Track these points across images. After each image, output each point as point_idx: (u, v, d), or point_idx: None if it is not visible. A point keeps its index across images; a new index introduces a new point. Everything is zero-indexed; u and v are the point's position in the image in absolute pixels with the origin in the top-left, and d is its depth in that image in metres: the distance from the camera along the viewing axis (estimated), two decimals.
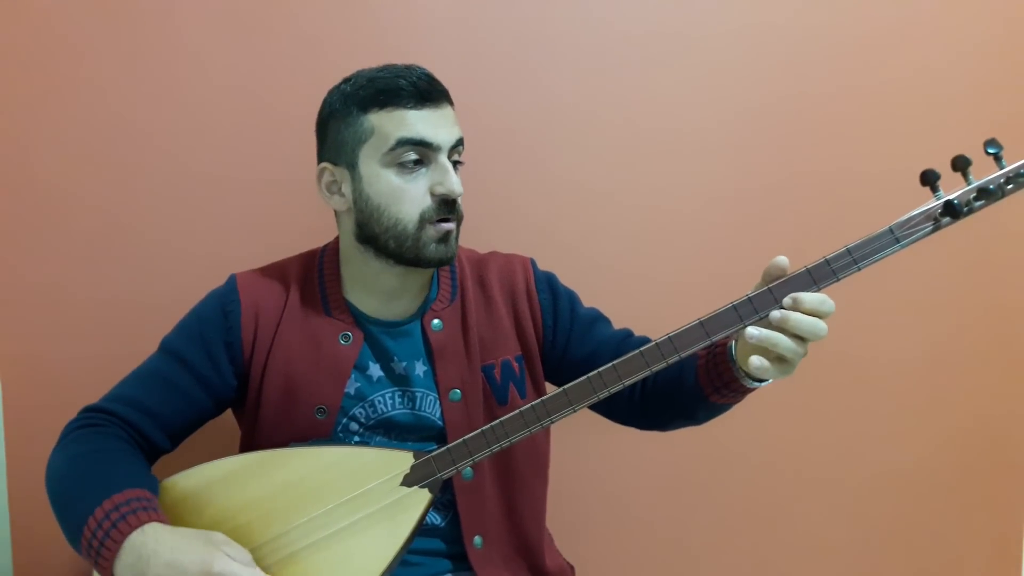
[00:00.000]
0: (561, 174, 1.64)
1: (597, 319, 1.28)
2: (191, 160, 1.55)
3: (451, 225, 1.14)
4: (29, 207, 1.52)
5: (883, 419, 1.78)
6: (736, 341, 1.04)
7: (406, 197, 1.12)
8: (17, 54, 1.50)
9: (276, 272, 1.25)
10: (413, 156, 1.11)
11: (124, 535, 0.97)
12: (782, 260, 0.96)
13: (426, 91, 1.12)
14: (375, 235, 1.14)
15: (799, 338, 0.94)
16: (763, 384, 1.05)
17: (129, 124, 1.53)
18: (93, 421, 1.14)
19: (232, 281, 1.22)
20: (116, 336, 1.54)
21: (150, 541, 0.97)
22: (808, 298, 0.93)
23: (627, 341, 1.24)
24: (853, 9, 1.68)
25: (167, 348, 1.19)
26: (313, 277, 1.23)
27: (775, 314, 0.93)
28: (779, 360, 0.95)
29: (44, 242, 1.53)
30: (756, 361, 0.94)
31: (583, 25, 1.62)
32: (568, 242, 1.64)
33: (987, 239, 1.77)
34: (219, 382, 1.19)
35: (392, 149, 1.11)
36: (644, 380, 1.20)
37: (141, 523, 0.98)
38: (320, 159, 1.20)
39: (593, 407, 1.23)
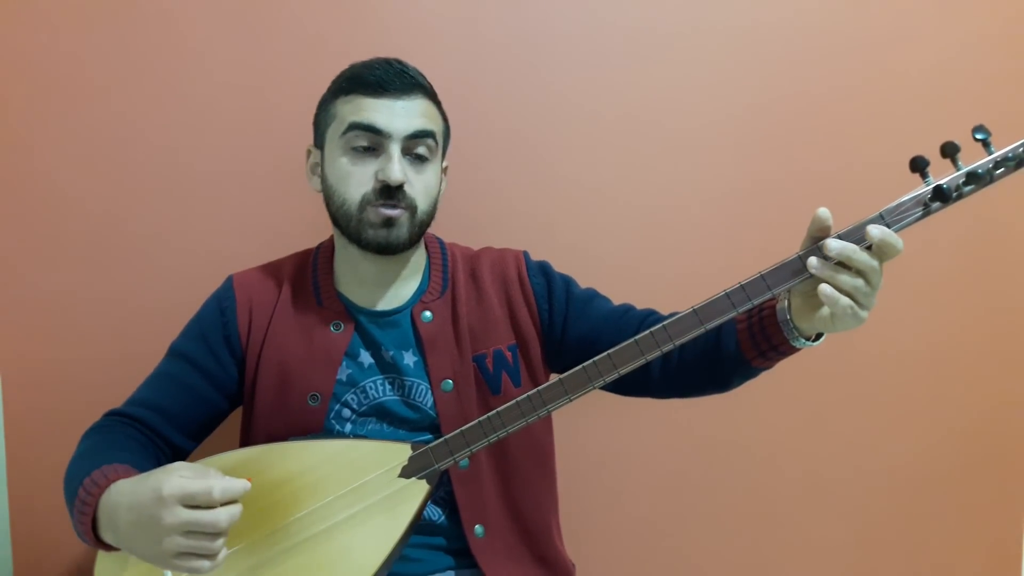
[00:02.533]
0: (560, 172, 1.65)
1: (594, 297, 1.29)
2: (191, 160, 1.55)
3: (393, 212, 1.16)
4: (29, 207, 1.52)
5: (883, 418, 1.77)
6: (789, 302, 1.04)
7: (352, 180, 1.16)
8: (17, 54, 1.50)
9: (271, 269, 1.29)
10: (363, 141, 1.16)
11: (93, 506, 1.00)
12: (824, 212, 0.96)
13: (388, 81, 1.16)
14: (332, 214, 1.20)
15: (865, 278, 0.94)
16: (815, 344, 1.05)
17: (130, 124, 1.54)
18: (108, 423, 1.18)
19: (228, 281, 1.28)
20: (116, 336, 1.55)
21: (113, 496, 0.99)
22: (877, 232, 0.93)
23: (628, 315, 1.25)
24: (852, 7, 1.69)
25: (174, 351, 1.24)
26: (307, 271, 1.28)
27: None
28: (848, 297, 0.94)
29: (44, 242, 1.53)
30: (827, 289, 0.93)
31: (583, 23, 1.63)
32: (567, 240, 1.64)
33: (988, 237, 1.77)
34: (224, 376, 1.23)
35: (344, 133, 1.16)
36: (670, 351, 1.18)
37: (107, 484, 1.00)
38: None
39: (604, 386, 1.24)
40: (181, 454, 1.21)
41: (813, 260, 0.95)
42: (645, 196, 1.67)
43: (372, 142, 1.15)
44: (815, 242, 0.97)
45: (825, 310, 0.97)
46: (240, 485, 0.95)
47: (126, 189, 1.54)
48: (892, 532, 1.80)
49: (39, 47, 1.51)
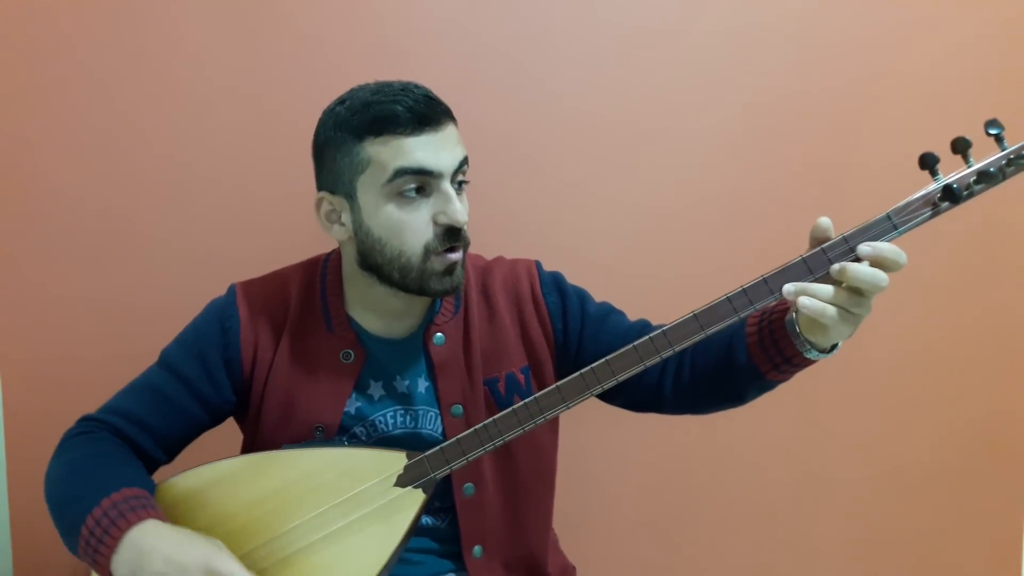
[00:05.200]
0: (561, 175, 1.63)
1: (609, 313, 1.24)
2: (192, 162, 1.54)
3: (457, 256, 1.09)
4: (30, 208, 1.52)
5: (883, 418, 1.76)
6: (796, 313, 0.99)
7: (408, 229, 1.06)
8: (18, 54, 1.49)
9: (277, 283, 1.21)
10: (413, 185, 1.06)
11: (123, 531, 0.97)
12: (825, 221, 0.94)
13: (423, 114, 1.06)
14: (378, 265, 1.10)
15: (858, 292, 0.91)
16: (827, 355, 1.01)
17: (130, 125, 1.53)
18: (89, 429, 1.13)
19: (232, 294, 1.19)
20: (116, 337, 1.55)
21: (150, 538, 0.97)
22: (886, 247, 0.90)
23: (644, 332, 1.17)
24: (852, 6, 1.67)
25: (165, 362, 1.17)
26: (315, 290, 1.20)
27: (834, 267, 0.91)
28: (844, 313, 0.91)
29: (45, 243, 1.53)
30: (806, 301, 0.90)
31: (582, 25, 1.61)
32: (568, 243, 1.63)
33: (988, 236, 1.75)
34: (216, 398, 1.17)
35: (390, 180, 1.05)
36: (682, 366, 1.16)
37: (140, 519, 0.98)
38: (319, 186, 1.15)
39: (614, 401, 1.21)
40: (153, 465, 1.16)
41: (788, 287, 0.92)
42: (646, 198, 1.66)
43: (422, 184, 1.06)
44: (818, 244, 0.94)
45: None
46: None
47: (128, 190, 1.54)
48: (892, 532, 1.80)
49: (41, 47, 1.50)
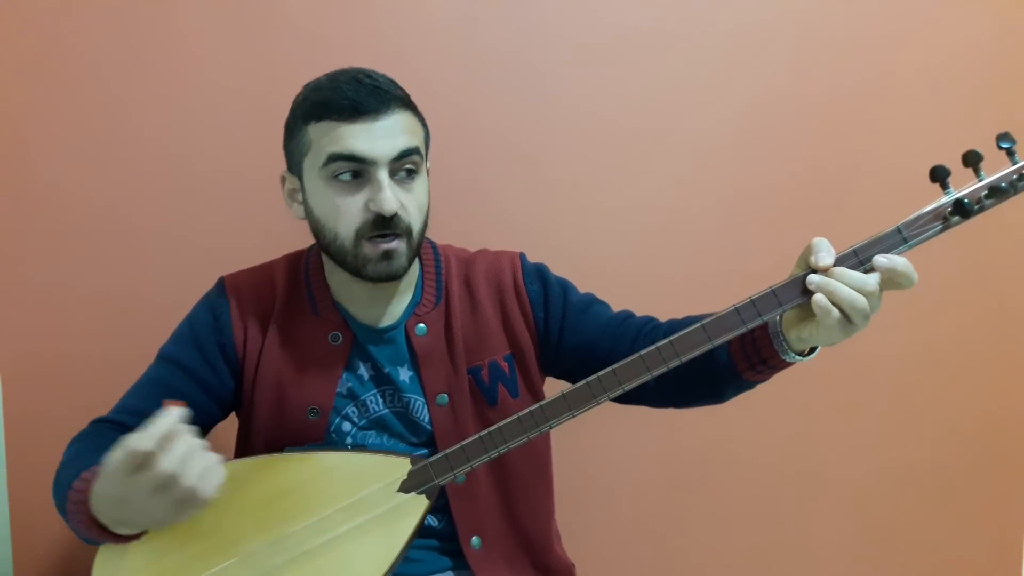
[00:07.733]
0: (559, 174, 1.63)
1: (592, 304, 1.25)
2: (191, 159, 1.54)
3: (391, 245, 1.10)
4: (30, 206, 1.51)
5: (883, 418, 1.76)
6: (781, 315, 0.99)
7: (341, 213, 1.10)
8: (18, 53, 1.49)
9: (263, 273, 1.24)
10: (346, 171, 1.09)
11: (87, 501, 0.96)
12: (816, 243, 0.94)
13: (362, 102, 1.07)
14: (324, 246, 1.15)
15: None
16: (805, 358, 1.01)
17: (130, 124, 1.53)
18: (95, 429, 1.15)
19: (220, 284, 1.23)
20: (116, 335, 1.54)
21: (98, 491, 0.95)
22: (901, 261, 0.91)
23: (626, 323, 1.21)
24: (854, 7, 1.66)
25: (165, 356, 1.20)
26: (300, 278, 1.23)
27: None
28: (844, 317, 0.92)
29: (44, 241, 1.52)
30: (821, 300, 0.91)
31: (582, 24, 1.61)
32: (565, 243, 1.63)
33: (990, 236, 1.75)
34: (218, 384, 1.19)
35: (325, 164, 1.09)
36: None
37: (93, 479, 0.96)
38: (286, 165, 1.20)
39: None
40: None
41: (813, 276, 0.92)
42: (645, 198, 1.66)
43: (357, 170, 1.09)
44: (807, 265, 0.94)
45: (813, 320, 0.94)
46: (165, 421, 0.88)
47: (127, 188, 1.53)
48: (892, 533, 1.80)
49: (39, 44, 1.49)
